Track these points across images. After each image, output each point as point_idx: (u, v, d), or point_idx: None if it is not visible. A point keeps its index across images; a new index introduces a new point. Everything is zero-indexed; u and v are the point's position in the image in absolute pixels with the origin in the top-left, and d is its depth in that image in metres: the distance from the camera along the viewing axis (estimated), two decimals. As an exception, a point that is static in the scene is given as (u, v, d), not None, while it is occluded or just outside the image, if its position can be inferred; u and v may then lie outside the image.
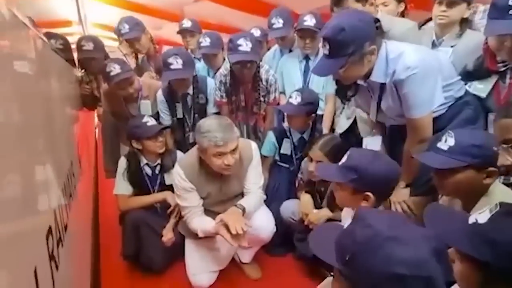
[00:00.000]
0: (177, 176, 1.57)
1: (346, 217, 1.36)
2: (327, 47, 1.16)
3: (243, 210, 1.53)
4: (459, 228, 0.67)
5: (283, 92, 2.12)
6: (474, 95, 1.37)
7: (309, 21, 1.92)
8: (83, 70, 2.21)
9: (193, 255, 1.74)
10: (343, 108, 2.04)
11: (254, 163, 1.65)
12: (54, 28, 2.16)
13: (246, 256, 1.83)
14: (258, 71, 1.88)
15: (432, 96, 1.24)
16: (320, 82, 2.02)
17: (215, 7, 3.69)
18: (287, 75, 2.10)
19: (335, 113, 2.09)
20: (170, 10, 4.26)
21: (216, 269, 1.74)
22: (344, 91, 1.43)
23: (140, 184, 1.84)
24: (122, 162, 1.84)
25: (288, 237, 1.92)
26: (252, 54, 1.76)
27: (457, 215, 0.81)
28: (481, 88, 1.36)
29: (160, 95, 1.97)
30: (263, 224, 1.65)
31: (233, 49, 1.76)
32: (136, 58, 2.33)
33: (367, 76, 1.26)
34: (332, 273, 0.65)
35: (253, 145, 1.67)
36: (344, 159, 1.13)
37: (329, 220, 1.68)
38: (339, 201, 1.20)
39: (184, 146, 1.97)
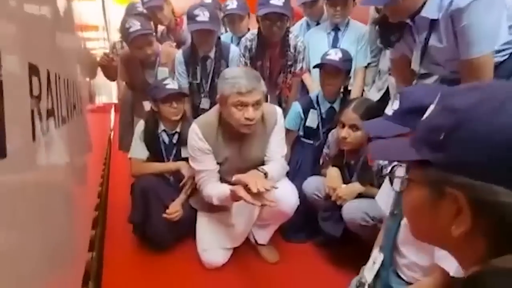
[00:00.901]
0: (194, 135, 1.43)
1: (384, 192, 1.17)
2: None
3: (265, 174, 1.36)
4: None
5: (309, 70, 1.99)
6: None
7: None
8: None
9: (205, 229, 1.57)
10: (373, 82, 1.89)
11: (277, 129, 1.50)
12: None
13: (262, 237, 1.64)
14: (287, 35, 1.76)
15: (496, 30, 1.07)
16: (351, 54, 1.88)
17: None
18: (314, 48, 1.98)
19: (363, 90, 1.93)
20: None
21: (229, 246, 1.57)
22: (387, 36, 1.27)
23: (155, 151, 1.72)
24: (140, 125, 1.74)
25: (309, 221, 1.73)
26: (284, 8, 1.64)
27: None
28: None
29: (180, 55, 1.87)
30: (286, 195, 1.46)
31: (264, 3, 1.64)
32: (156, 31, 2.26)
33: (415, 13, 1.11)
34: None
35: (278, 110, 1.53)
36: (395, 105, 0.95)
37: (360, 195, 1.49)
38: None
39: (196, 112, 1.86)
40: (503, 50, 1.14)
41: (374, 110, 1.38)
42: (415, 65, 1.26)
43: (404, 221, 0.99)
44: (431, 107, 0.47)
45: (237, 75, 1.28)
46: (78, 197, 0.92)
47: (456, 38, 1.09)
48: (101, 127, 2.77)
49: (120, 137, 2.19)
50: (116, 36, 3.46)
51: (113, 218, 1.96)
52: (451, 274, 0.84)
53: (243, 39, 1.87)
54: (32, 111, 0.48)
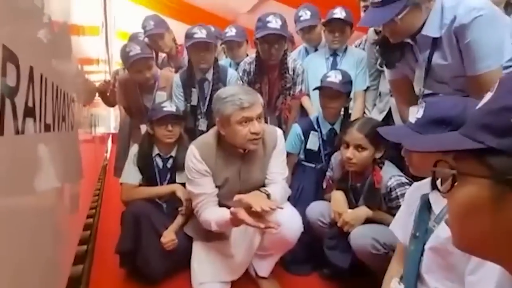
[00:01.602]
0: (191, 156, 1.36)
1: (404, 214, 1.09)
2: None
3: (268, 195, 1.27)
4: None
5: (308, 94, 1.98)
6: None
7: (339, 14, 1.87)
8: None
9: (201, 259, 1.44)
10: (374, 105, 1.88)
11: (278, 150, 1.44)
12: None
13: (263, 269, 1.50)
14: (286, 58, 1.77)
15: (501, 44, 1.05)
16: (350, 79, 1.89)
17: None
18: (313, 73, 1.98)
19: (364, 112, 1.91)
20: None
21: (227, 279, 1.42)
22: (389, 56, 1.26)
23: (148, 175, 1.64)
24: (134, 148, 1.68)
25: (314, 251, 1.60)
26: (281, 30, 1.66)
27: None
28: None
29: (177, 78, 1.87)
30: (289, 221, 1.35)
31: (262, 27, 1.67)
32: (157, 58, 2.29)
33: (416, 32, 1.11)
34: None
35: (278, 131, 1.48)
36: (419, 114, 0.91)
37: (368, 221, 1.39)
38: (416, 167, 0.98)
39: (194, 134, 1.81)
40: (509, 67, 1.13)
41: (380, 134, 1.33)
42: (418, 84, 1.23)
43: (428, 245, 0.90)
44: (489, 94, 0.41)
45: (234, 93, 1.25)
46: (56, 226, 0.81)
47: (461, 54, 1.08)
48: (95, 155, 2.69)
49: (116, 163, 2.12)
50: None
51: (102, 251, 1.81)
52: None
53: (241, 63, 1.89)
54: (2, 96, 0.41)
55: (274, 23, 1.63)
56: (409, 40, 1.17)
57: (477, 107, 0.42)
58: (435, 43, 1.12)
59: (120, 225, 1.55)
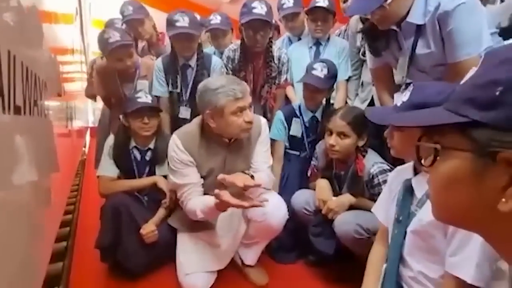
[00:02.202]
0: (174, 147, 1.33)
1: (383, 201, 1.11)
2: None
3: (252, 177, 1.26)
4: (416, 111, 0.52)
5: (292, 83, 1.98)
6: None
7: (322, 2, 1.86)
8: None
9: (186, 251, 1.42)
10: (356, 94, 1.90)
11: (262, 138, 1.43)
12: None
13: (250, 257, 1.50)
14: (271, 46, 1.74)
15: (480, 33, 1.08)
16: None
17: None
18: (296, 62, 1.97)
19: (346, 102, 1.93)
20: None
21: (214, 269, 1.41)
22: (375, 44, 1.27)
23: (126, 168, 1.58)
24: (110, 140, 1.60)
25: (299, 239, 1.62)
26: (267, 16, 1.63)
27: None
28: None
29: (159, 62, 1.79)
30: (274, 208, 1.35)
31: (247, 12, 1.63)
32: (136, 45, 2.21)
33: (401, 20, 1.12)
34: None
35: (263, 119, 1.47)
36: (405, 96, 0.92)
37: (352, 208, 1.41)
38: (397, 149, 0.99)
39: (175, 122, 1.76)
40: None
41: (362, 117, 1.35)
42: (401, 72, 1.25)
43: (410, 228, 0.92)
44: (473, 69, 0.41)
45: (225, 83, 1.22)
46: (28, 222, 0.76)
47: (443, 42, 1.10)
48: (73, 148, 2.58)
49: (97, 156, 2.04)
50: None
51: (82, 246, 1.75)
52: (470, 281, 0.75)
53: (226, 50, 1.84)
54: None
55: (260, 9, 1.60)
56: (394, 27, 1.18)
57: (461, 82, 0.41)
58: (419, 30, 1.14)
59: (99, 220, 1.50)
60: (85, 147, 4.49)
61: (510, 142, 0.33)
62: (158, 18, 2.27)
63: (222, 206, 1.19)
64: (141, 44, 2.22)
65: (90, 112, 6.07)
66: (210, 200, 1.23)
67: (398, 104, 0.98)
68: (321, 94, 1.68)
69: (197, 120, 1.39)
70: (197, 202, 1.29)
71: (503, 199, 0.33)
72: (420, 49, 1.17)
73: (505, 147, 0.33)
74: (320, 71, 1.63)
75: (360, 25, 1.54)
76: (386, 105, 1.37)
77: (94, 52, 6.24)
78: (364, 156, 1.42)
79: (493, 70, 0.37)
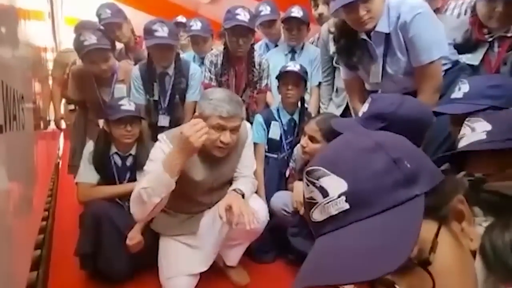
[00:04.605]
0: (162, 140, 1.31)
1: None
2: None
3: (243, 196, 1.33)
4: None
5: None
6: (468, 64, 1.37)
7: (296, 12, 1.95)
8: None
9: (168, 254, 1.44)
10: (330, 99, 1.99)
11: (248, 142, 1.50)
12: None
13: (231, 258, 1.55)
14: (253, 51, 1.80)
15: (440, 38, 1.20)
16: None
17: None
18: (273, 68, 2.04)
19: (319, 108, 2.03)
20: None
21: (196, 271, 1.44)
22: (350, 60, 1.35)
23: (106, 175, 1.57)
24: (89, 146, 1.59)
25: (279, 238, 1.69)
26: (249, 23, 1.68)
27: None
28: (472, 57, 1.37)
29: (136, 70, 1.79)
30: (256, 212, 1.40)
31: (230, 18, 1.67)
32: (113, 49, 2.18)
33: (371, 30, 1.22)
34: None
35: (248, 124, 1.54)
36: (365, 108, 1.00)
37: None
38: None
39: (155, 131, 1.76)
40: (445, 64, 1.28)
41: (335, 132, 1.37)
42: (374, 79, 1.34)
43: None
44: (337, 181, 0.36)
45: (221, 98, 1.26)
46: (9, 231, 0.76)
47: (407, 49, 1.21)
48: (48, 153, 2.50)
49: (71, 161, 1.99)
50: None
51: (60, 253, 1.72)
52: None
53: (208, 54, 1.88)
54: None
55: (243, 16, 1.65)
56: (365, 37, 1.26)
57: (364, 170, 0.36)
58: (388, 39, 1.23)
59: (78, 227, 1.48)
60: (58, 150, 4.33)
61: (443, 195, 0.36)
62: (134, 19, 2.25)
63: (171, 168, 1.14)
64: (119, 46, 2.19)
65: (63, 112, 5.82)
66: (158, 170, 1.15)
67: (360, 114, 1.07)
68: (298, 88, 1.75)
69: None
70: (143, 179, 1.19)
71: (468, 240, 0.37)
72: (389, 56, 1.27)
73: (443, 202, 0.36)
74: (293, 66, 1.75)
75: (332, 44, 1.60)
76: (358, 111, 1.46)
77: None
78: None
79: (375, 155, 0.36)
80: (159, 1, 4.40)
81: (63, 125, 2.98)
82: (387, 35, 1.23)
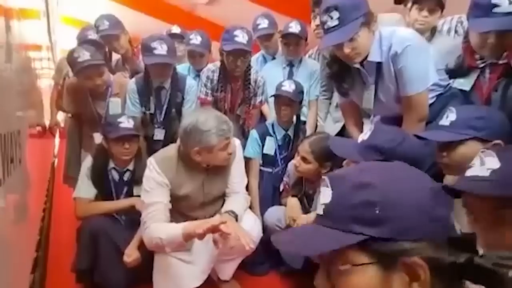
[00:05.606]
0: (151, 168, 1.37)
1: None
2: (337, 16, 1.13)
3: (236, 217, 1.36)
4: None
5: (266, 99, 2.06)
6: (459, 90, 1.40)
7: (294, 28, 1.96)
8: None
9: (163, 270, 1.47)
10: (327, 113, 2.01)
11: (238, 159, 1.53)
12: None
13: (226, 272, 1.59)
14: (249, 70, 1.82)
15: (427, 71, 1.23)
16: (304, 88, 1.99)
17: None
18: (271, 81, 2.05)
19: (317, 121, 2.05)
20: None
21: (190, 286, 1.47)
22: (342, 87, 1.38)
23: (103, 189, 1.59)
24: (87, 162, 1.61)
25: (271, 251, 1.72)
26: (248, 46, 1.71)
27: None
28: (464, 82, 1.40)
29: (132, 84, 1.79)
30: (249, 229, 1.44)
31: (228, 39, 1.69)
32: (111, 59, 2.17)
33: (364, 59, 1.24)
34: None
35: (236, 141, 1.55)
36: (366, 136, 1.03)
37: (319, 225, 1.53)
38: None
39: (150, 144, 1.80)
40: (432, 90, 1.31)
41: (328, 153, 1.32)
42: (367, 104, 1.37)
43: None
44: (328, 191, 0.47)
45: (216, 124, 1.30)
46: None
47: (396, 78, 1.24)
48: (43, 154, 2.51)
49: (66, 171, 2.01)
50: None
51: (55, 267, 1.74)
52: None
53: (205, 69, 1.89)
54: None
55: (241, 38, 1.67)
56: (358, 66, 1.29)
57: (328, 200, 0.47)
58: (380, 67, 1.26)
59: (75, 240, 1.50)
60: (54, 148, 4.31)
61: (402, 250, 0.41)
62: (130, 19, 2.23)
63: (188, 237, 1.27)
64: (116, 57, 2.19)
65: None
66: (177, 229, 1.28)
67: (359, 141, 1.10)
68: (291, 108, 1.79)
69: (175, 146, 1.44)
70: (162, 229, 1.30)
71: None
72: (380, 85, 1.30)
73: (400, 255, 0.41)
74: (288, 87, 1.77)
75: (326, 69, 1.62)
76: (353, 136, 1.49)
77: (63, 49, 5.93)
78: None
79: (361, 192, 0.43)
80: (156, 2, 4.35)
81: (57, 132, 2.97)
82: (379, 64, 1.25)
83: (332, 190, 0.46)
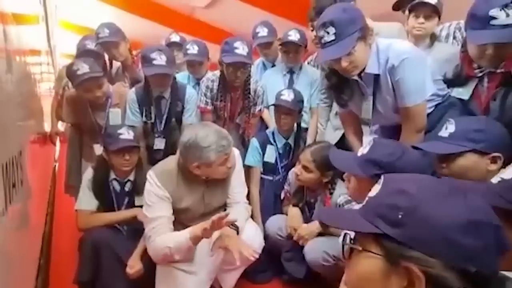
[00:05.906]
0: (152, 181, 1.38)
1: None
2: (333, 31, 1.13)
3: (237, 230, 1.37)
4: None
5: (267, 106, 2.06)
6: (458, 99, 1.40)
7: (294, 36, 1.97)
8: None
9: (165, 281, 1.47)
10: (327, 120, 2.02)
11: (237, 170, 1.54)
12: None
13: (228, 282, 1.59)
14: (249, 80, 1.82)
15: (424, 83, 1.24)
16: (305, 96, 2.00)
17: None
18: (271, 89, 2.05)
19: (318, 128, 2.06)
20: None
21: (193, 297, 1.48)
22: (341, 98, 1.38)
23: (105, 200, 1.59)
24: (88, 173, 1.61)
25: (273, 259, 1.73)
26: (248, 58, 1.71)
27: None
28: (463, 91, 1.40)
29: (132, 93, 1.80)
30: (251, 238, 1.46)
31: (228, 51, 1.69)
32: (111, 66, 2.18)
33: (362, 71, 1.25)
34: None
35: (236, 151, 1.56)
36: (366, 150, 1.04)
37: (320, 234, 1.54)
38: (352, 192, 1.10)
39: (150, 153, 1.81)
40: (430, 100, 1.32)
41: (330, 162, 1.30)
42: (366, 115, 1.37)
43: None
44: (378, 187, 0.53)
45: (214, 140, 1.30)
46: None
47: (394, 90, 1.25)
48: (44, 160, 2.51)
49: (67, 181, 2.01)
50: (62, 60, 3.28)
51: (57, 277, 1.74)
52: None
53: (204, 78, 1.90)
54: None
55: (241, 50, 1.67)
56: (356, 78, 1.29)
57: (372, 194, 0.53)
58: (377, 79, 1.27)
59: (77, 250, 1.50)
60: (55, 153, 4.32)
61: (410, 256, 0.44)
62: (129, 23, 2.23)
63: (197, 239, 1.28)
64: (116, 64, 2.19)
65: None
66: (184, 233, 1.29)
67: (359, 154, 1.10)
68: (291, 117, 1.79)
69: (174, 158, 1.44)
70: (168, 238, 1.33)
71: None
72: (378, 96, 1.31)
73: (406, 259, 0.44)
74: (287, 96, 1.78)
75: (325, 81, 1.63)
76: (353, 145, 1.51)
77: (62, 53, 5.94)
78: (331, 193, 1.54)
79: (391, 195, 0.49)
80: (155, 6, 4.35)
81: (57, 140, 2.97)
82: (377, 76, 1.26)
83: (380, 187, 0.52)
